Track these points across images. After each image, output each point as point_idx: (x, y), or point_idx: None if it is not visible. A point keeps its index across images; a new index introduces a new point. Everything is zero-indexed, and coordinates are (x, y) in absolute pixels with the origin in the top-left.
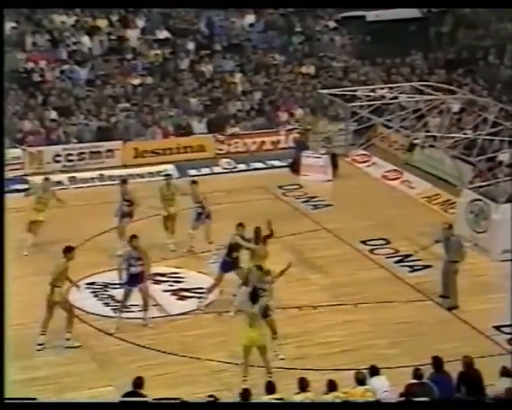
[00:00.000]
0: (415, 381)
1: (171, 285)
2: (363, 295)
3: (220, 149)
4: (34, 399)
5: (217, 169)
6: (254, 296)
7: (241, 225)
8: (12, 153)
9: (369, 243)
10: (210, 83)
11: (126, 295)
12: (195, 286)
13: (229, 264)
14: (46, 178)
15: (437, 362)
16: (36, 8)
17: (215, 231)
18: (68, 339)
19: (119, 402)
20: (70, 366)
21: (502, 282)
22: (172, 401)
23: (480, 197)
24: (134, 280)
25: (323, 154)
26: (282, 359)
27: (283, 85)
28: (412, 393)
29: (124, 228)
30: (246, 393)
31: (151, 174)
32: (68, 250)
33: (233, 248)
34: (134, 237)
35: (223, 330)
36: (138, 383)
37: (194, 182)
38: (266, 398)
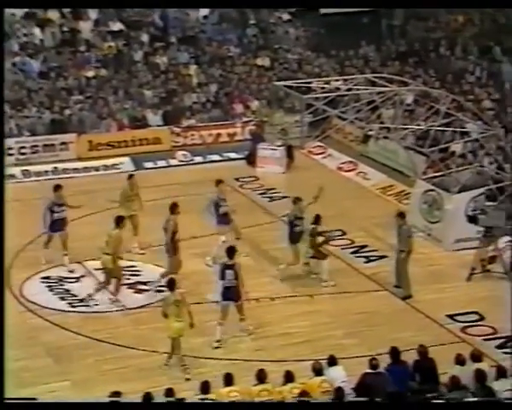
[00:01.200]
0: (370, 371)
1: (128, 279)
2: (319, 286)
3: (176, 142)
4: (34, 399)
5: (173, 162)
6: (171, 285)
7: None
8: None
9: (325, 234)
10: (165, 75)
11: (48, 241)
12: (152, 279)
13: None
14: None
15: (394, 353)
16: (36, 8)
17: None
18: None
19: (119, 402)
20: (26, 361)
21: (455, 271)
22: (172, 401)
23: (433, 188)
24: (56, 226)
25: (279, 146)
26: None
27: (239, 77)
28: (367, 383)
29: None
30: (205, 385)
31: (106, 167)
32: (120, 220)
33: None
34: (58, 186)
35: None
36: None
37: (220, 181)
38: (225, 390)
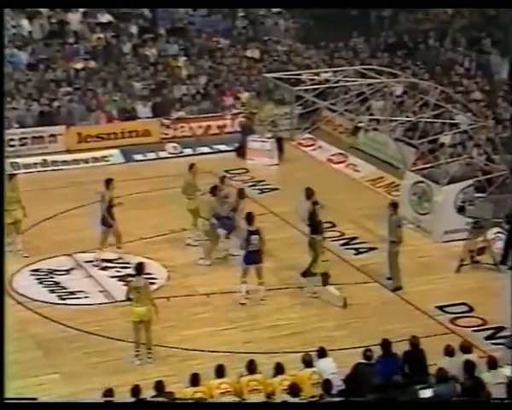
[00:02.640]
0: (363, 361)
1: (118, 271)
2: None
3: (166, 134)
4: (35, 399)
5: (163, 154)
6: (139, 269)
7: None
8: None
9: None
10: (154, 67)
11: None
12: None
13: None
14: (10, 177)
15: (385, 345)
16: (36, 8)
17: (163, 216)
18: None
19: (118, 402)
20: (15, 354)
21: (444, 263)
22: (172, 402)
23: (422, 179)
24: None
25: (269, 138)
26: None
27: (228, 69)
28: (358, 373)
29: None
30: (195, 377)
31: (95, 159)
32: (215, 188)
33: None
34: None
35: (171, 315)
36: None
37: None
38: (216, 381)
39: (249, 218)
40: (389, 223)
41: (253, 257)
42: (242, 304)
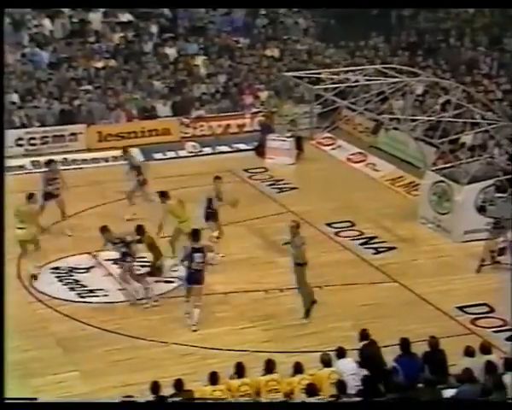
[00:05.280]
0: (365, 342)
1: (138, 269)
2: (328, 277)
3: (185, 133)
4: (35, 399)
5: (182, 153)
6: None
7: None
8: None
9: (334, 225)
10: (174, 66)
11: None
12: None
13: None
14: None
15: (404, 344)
16: (36, 8)
17: None
18: None
19: (118, 402)
20: (35, 352)
21: (464, 263)
22: (173, 402)
23: (442, 179)
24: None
25: (289, 137)
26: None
27: (248, 68)
28: (365, 353)
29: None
30: (214, 376)
31: (115, 158)
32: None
33: None
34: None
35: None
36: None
37: (217, 177)
38: (236, 382)
39: (195, 234)
40: (292, 245)
41: (194, 277)
42: (194, 331)
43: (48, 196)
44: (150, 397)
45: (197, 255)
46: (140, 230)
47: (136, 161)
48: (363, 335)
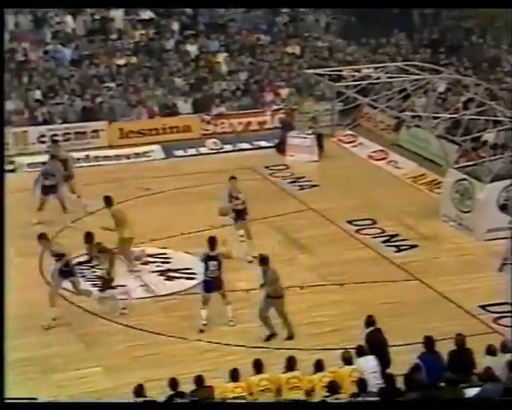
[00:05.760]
0: (370, 328)
1: (159, 266)
2: (349, 275)
3: (206, 130)
4: (35, 399)
5: (203, 150)
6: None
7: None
8: None
9: (355, 223)
10: (195, 63)
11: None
12: (183, 267)
13: None
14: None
15: (428, 342)
16: (36, 8)
17: (203, 211)
18: None
19: (119, 402)
20: (57, 347)
21: (486, 261)
22: (172, 402)
23: (465, 177)
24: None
25: (309, 134)
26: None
27: (269, 65)
28: (371, 340)
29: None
30: (235, 373)
31: (137, 155)
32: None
33: None
34: (233, 178)
35: (210, 310)
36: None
37: (233, 177)
38: (256, 378)
39: (211, 242)
40: (266, 279)
41: (210, 285)
42: (201, 331)
43: (46, 190)
44: (169, 393)
45: (212, 263)
46: (88, 238)
47: (64, 154)
48: (369, 322)
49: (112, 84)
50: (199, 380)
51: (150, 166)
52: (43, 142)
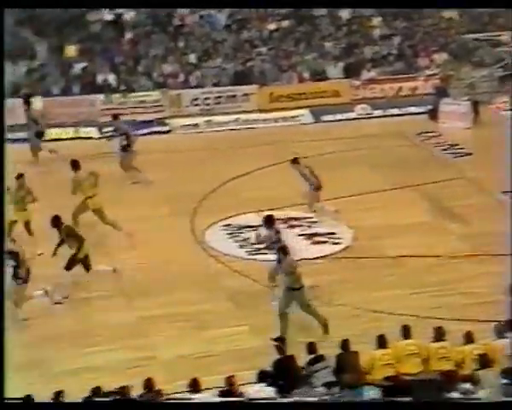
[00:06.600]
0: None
1: (304, 230)
2: (503, 246)
3: (356, 95)
4: (33, 399)
5: (351, 115)
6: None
7: None
8: (152, 95)
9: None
10: (347, 27)
11: None
12: (328, 231)
13: None
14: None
15: None
16: (36, 8)
17: (352, 177)
18: None
19: (119, 402)
20: (207, 304)
21: None
22: (173, 401)
23: None
24: None
25: (465, 100)
26: None
27: (424, 30)
28: None
29: None
30: (382, 339)
31: (286, 119)
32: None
33: None
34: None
35: (356, 275)
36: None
37: (295, 160)
38: (403, 342)
39: (268, 220)
40: (281, 272)
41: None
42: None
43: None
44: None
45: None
46: (55, 221)
47: (124, 128)
48: None
49: (263, 49)
50: (344, 345)
51: (299, 130)
52: (196, 105)
